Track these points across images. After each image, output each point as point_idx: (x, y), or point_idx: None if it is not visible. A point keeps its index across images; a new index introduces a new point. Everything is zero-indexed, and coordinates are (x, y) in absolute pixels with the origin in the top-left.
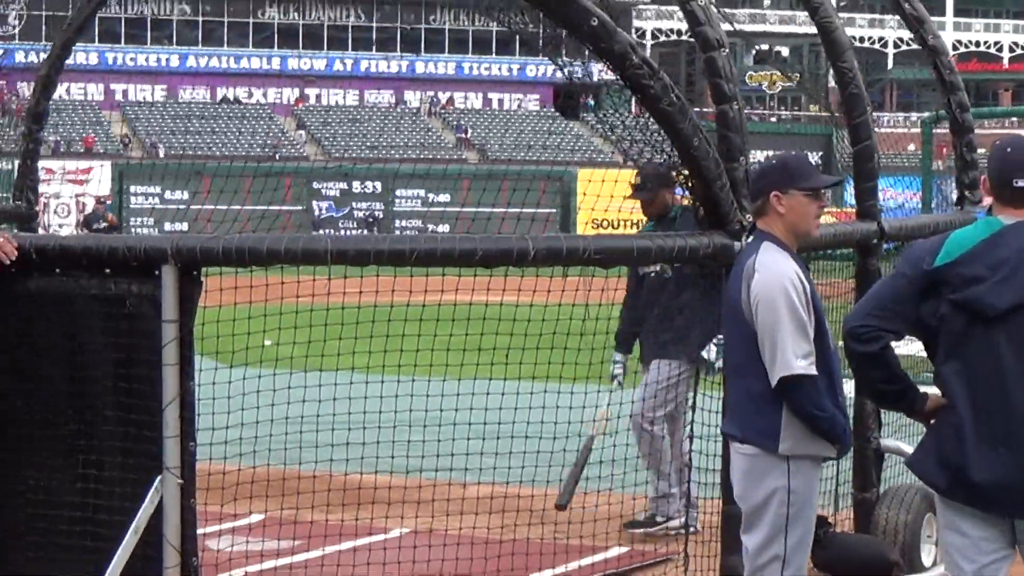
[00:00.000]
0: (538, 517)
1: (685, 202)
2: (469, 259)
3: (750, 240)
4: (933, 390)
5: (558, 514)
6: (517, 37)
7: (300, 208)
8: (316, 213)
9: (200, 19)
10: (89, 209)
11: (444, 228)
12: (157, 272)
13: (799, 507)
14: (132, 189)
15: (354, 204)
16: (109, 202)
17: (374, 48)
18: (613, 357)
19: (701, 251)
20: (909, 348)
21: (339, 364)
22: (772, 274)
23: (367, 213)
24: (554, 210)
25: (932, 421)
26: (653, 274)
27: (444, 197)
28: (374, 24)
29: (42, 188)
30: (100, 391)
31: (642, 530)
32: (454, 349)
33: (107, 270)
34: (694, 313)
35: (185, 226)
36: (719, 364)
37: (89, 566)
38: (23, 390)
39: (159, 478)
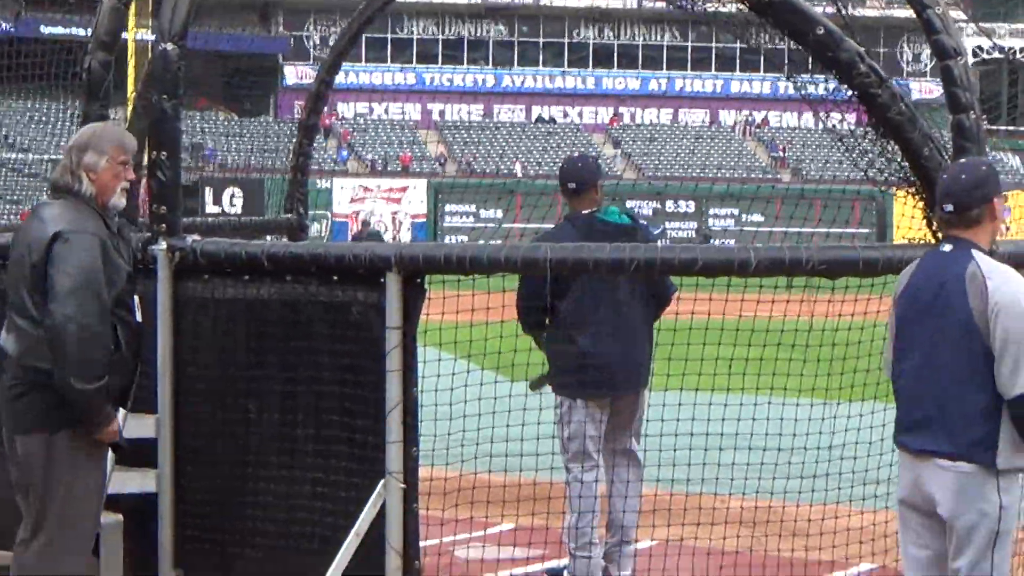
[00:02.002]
0: (788, 530)
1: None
2: (689, 268)
3: (946, 249)
4: None
5: (808, 527)
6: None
7: None
8: None
9: (516, 39)
10: (361, 228)
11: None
12: (382, 280)
13: (1008, 523)
14: (447, 208)
15: (667, 223)
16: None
17: (688, 67)
18: None
19: None
20: None
21: None
22: (1010, 279)
23: (703, 231)
24: (869, 230)
25: None
26: None
27: (757, 217)
28: (689, 44)
29: (359, 207)
30: (327, 396)
31: None
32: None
33: (335, 277)
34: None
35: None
36: None
37: (314, 569)
38: (256, 395)
39: (382, 482)
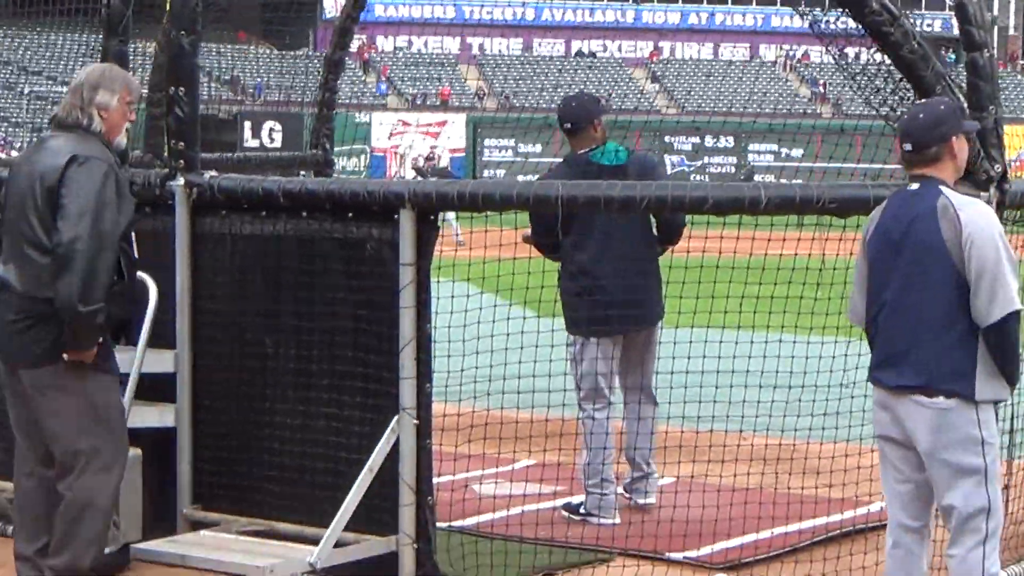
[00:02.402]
0: (805, 467)
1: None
2: (700, 206)
3: (914, 188)
4: None
5: (824, 465)
6: None
7: None
8: (669, 167)
9: None
10: (421, 163)
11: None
12: (396, 216)
13: (992, 456)
14: (486, 142)
15: (707, 158)
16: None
17: (729, 1)
18: None
19: None
20: None
21: None
22: (981, 211)
23: (747, 170)
24: None
25: None
26: None
27: (797, 152)
28: None
29: (397, 140)
30: (342, 332)
31: (567, 515)
32: (739, 299)
33: (349, 214)
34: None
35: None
36: None
37: (329, 503)
38: (272, 330)
39: (396, 418)
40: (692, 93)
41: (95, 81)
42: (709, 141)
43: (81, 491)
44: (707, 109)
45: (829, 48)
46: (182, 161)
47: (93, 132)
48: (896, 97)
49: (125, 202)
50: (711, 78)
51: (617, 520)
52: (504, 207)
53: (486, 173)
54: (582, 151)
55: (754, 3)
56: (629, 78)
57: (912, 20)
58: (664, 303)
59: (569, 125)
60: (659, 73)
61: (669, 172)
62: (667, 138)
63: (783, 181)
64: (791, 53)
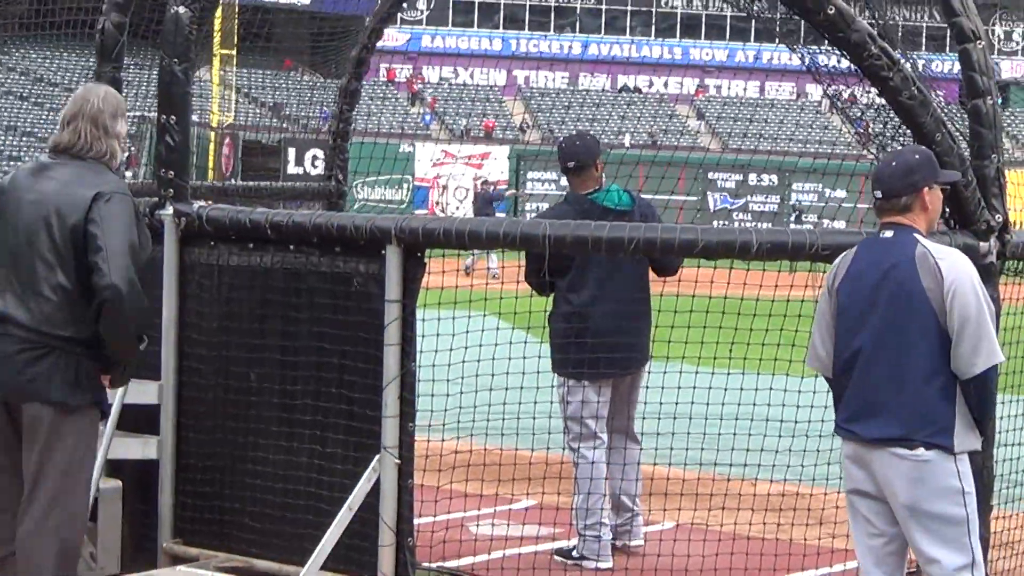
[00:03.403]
0: (815, 517)
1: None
2: (689, 249)
3: (887, 235)
4: None
5: (831, 514)
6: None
7: (695, 198)
8: (711, 204)
9: (603, 7)
10: (482, 188)
11: (840, 224)
12: (382, 252)
13: (973, 506)
14: (528, 175)
15: (750, 196)
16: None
17: (776, 40)
18: None
19: None
20: None
21: None
22: (960, 260)
23: (795, 208)
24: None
25: None
26: None
27: (841, 193)
28: (777, 16)
29: (441, 171)
30: (327, 367)
31: (561, 559)
32: (747, 343)
33: (336, 248)
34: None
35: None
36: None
37: (309, 541)
38: (258, 364)
39: (377, 457)
40: (737, 130)
41: (114, 109)
42: (752, 179)
43: (25, 539)
44: (751, 147)
45: (827, 91)
46: (171, 190)
47: (112, 162)
48: (895, 143)
49: (144, 234)
50: (756, 115)
51: (611, 564)
52: (491, 245)
53: (528, 205)
54: (584, 191)
55: (801, 42)
56: (674, 114)
57: (913, 61)
58: (651, 346)
59: (572, 164)
60: (703, 109)
61: (712, 210)
62: (711, 175)
63: (825, 222)
64: (837, 93)
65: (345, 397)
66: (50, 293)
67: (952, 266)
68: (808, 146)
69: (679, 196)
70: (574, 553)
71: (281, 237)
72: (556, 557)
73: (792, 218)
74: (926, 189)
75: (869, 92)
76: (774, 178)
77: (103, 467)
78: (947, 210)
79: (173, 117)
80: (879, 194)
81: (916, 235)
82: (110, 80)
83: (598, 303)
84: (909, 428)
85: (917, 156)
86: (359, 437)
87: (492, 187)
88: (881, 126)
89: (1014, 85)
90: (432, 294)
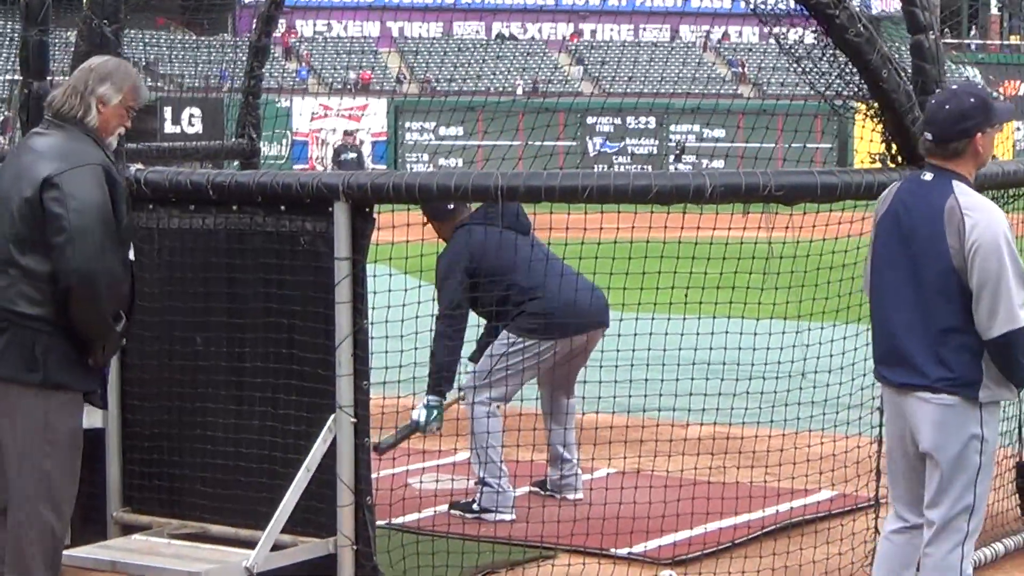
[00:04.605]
0: (751, 459)
1: None
2: (643, 196)
3: (927, 178)
4: None
5: (770, 456)
6: None
7: (574, 144)
8: (590, 148)
9: None
10: (339, 142)
11: (719, 164)
12: (330, 209)
13: (989, 455)
14: (407, 125)
15: (628, 140)
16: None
17: None
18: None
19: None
20: None
21: None
22: (989, 218)
23: (677, 146)
24: (830, 146)
25: None
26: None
27: (719, 132)
28: None
29: (319, 124)
30: (276, 328)
31: (459, 513)
32: (684, 287)
33: (282, 207)
34: None
35: (460, 162)
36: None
37: (265, 505)
38: (203, 328)
39: (332, 417)
40: (613, 73)
41: (106, 72)
42: (631, 122)
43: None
44: (628, 90)
45: (772, 30)
46: None
47: (87, 126)
48: (841, 81)
49: (120, 203)
50: (632, 59)
51: (514, 516)
52: (442, 198)
53: (408, 156)
54: (464, 222)
55: None
56: (551, 59)
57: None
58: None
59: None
60: (580, 55)
61: (592, 154)
62: (589, 120)
63: (704, 161)
64: (709, 34)
65: (296, 357)
66: (8, 267)
67: (976, 224)
68: (683, 87)
69: (559, 142)
70: (474, 506)
71: (223, 198)
72: (453, 511)
73: (672, 159)
74: (979, 135)
75: (815, 31)
76: (652, 120)
77: None
78: (894, 146)
79: None
80: (929, 136)
81: (954, 181)
82: (37, 44)
83: (544, 283)
84: (935, 375)
85: (972, 100)
86: (312, 397)
87: (352, 140)
88: (827, 65)
89: (887, 20)
90: (383, 249)
